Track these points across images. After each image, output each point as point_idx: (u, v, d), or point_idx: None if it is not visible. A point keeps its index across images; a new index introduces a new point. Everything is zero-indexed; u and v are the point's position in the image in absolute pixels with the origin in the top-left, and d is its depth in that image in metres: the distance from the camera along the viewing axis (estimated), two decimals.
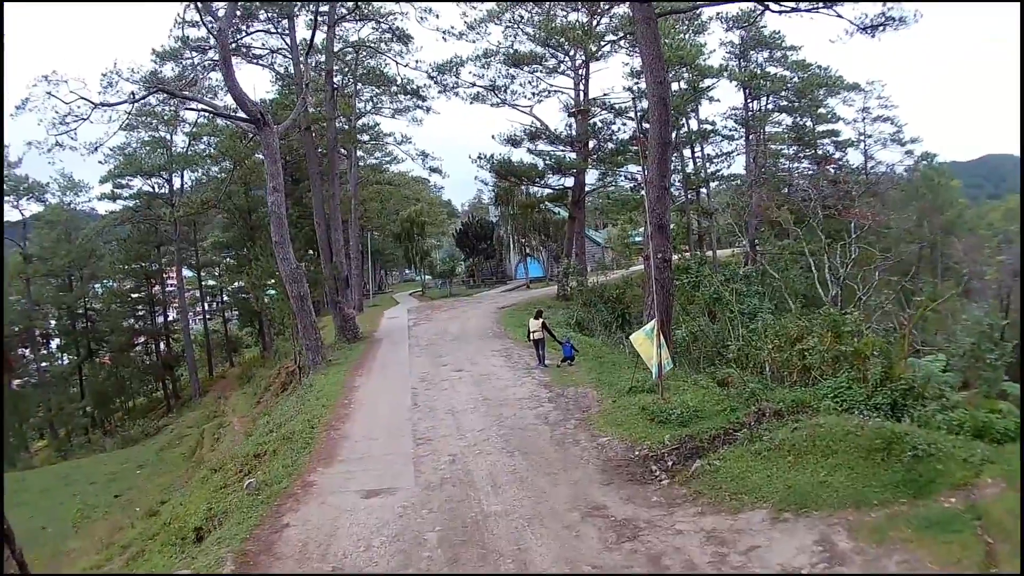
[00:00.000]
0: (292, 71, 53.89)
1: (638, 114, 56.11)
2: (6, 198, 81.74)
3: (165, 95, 47.67)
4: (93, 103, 37.04)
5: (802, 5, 33.71)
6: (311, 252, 67.47)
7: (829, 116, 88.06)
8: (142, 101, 42.56)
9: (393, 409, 27.53)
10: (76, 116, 37.50)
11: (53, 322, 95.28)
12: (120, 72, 42.07)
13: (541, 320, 33.57)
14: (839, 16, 34.11)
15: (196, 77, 50.66)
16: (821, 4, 33.36)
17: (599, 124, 67.26)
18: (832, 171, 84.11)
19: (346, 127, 66.02)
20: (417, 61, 60.94)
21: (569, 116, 67.21)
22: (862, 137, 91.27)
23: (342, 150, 77.29)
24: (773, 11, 35.24)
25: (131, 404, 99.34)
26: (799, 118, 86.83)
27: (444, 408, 26.57)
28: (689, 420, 20.87)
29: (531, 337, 33.68)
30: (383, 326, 56.97)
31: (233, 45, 49.51)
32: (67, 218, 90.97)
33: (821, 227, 53.74)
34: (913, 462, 14.80)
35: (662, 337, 23.43)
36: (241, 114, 41.29)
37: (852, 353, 24.74)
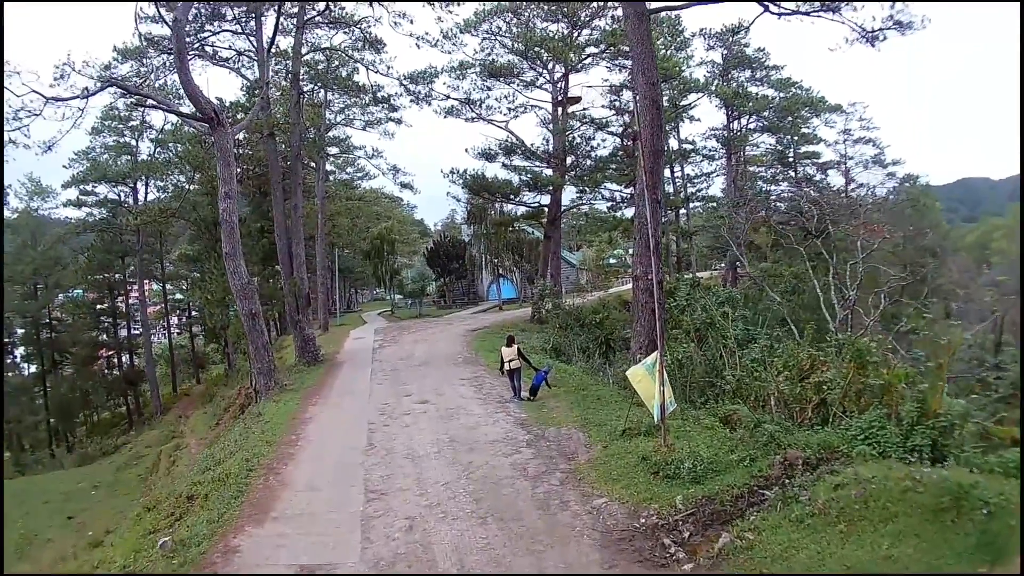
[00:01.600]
0: (259, 75, 49.67)
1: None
2: None
3: (121, 93, 43.52)
4: (45, 97, 33.08)
5: (803, 7, 30.47)
6: (272, 267, 63.07)
7: (811, 137, 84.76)
8: (94, 96, 37.51)
9: (345, 450, 23.03)
10: (29, 111, 33.29)
11: (20, 331, 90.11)
12: (72, 64, 37.53)
13: (516, 347, 29.06)
14: (842, 22, 30.94)
15: (149, 73, 46.39)
16: (822, 6, 30.30)
17: (577, 139, 64.16)
18: (813, 193, 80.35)
19: (313, 136, 61.64)
20: (389, 68, 56.19)
21: (546, 126, 63.71)
22: (843, 159, 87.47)
23: (311, 164, 74.67)
24: (772, 13, 31.83)
25: (95, 418, 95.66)
26: (782, 137, 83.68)
27: (404, 451, 22.06)
28: (703, 475, 16.94)
29: (506, 368, 28.86)
30: (347, 348, 52.94)
31: (197, 45, 46.86)
32: (34, 224, 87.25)
33: (810, 247, 50.26)
34: (987, 520, 12.04)
35: (664, 373, 18.97)
36: (196, 113, 36.91)
37: (882, 387, 20.52)
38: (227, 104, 51.35)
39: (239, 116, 48.74)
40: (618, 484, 17.33)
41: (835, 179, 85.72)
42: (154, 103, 42.42)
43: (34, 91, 32.54)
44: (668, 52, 61.26)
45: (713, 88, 68.59)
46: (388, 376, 37.25)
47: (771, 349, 29.26)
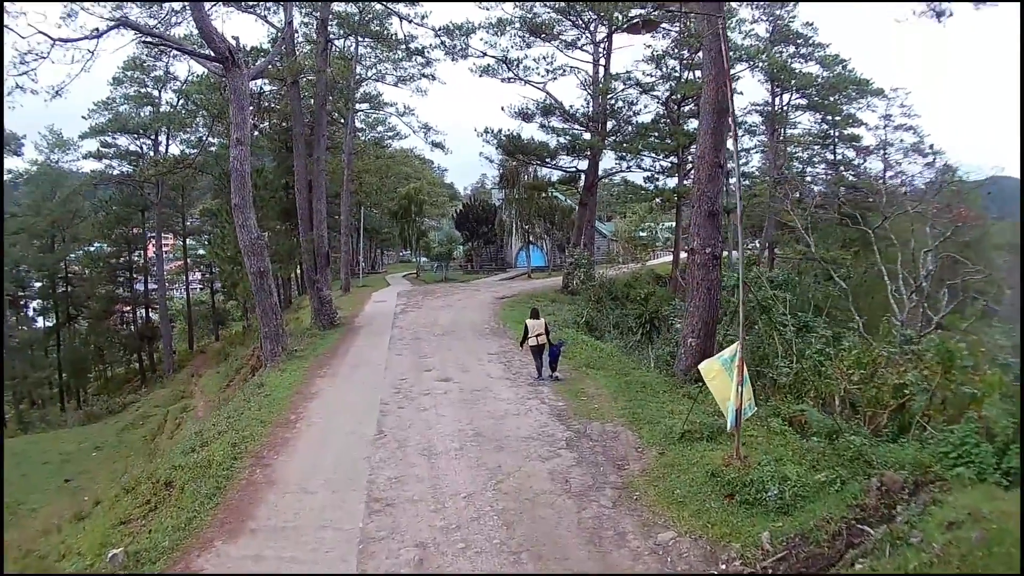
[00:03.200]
0: (283, 15, 46.14)
1: (678, 82, 49.18)
2: None
3: (135, 37, 39.76)
4: (52, 38, 29.64)
5: None
6: (292, 223, 59.65)
7: (853, 120, 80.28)
8: (104, 36, 33.91)
9: (350, 438, 19.35)
10: (36, 54, 30.07)
11: (38, 284, 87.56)
12: (81, 2, 34.38)
13: (543, 320, 25.96)
14: None
15: (167, 17, 42.69)
16: None
17: (620, 103, 59.88)
18: (850, 177, 79.75)
19: (340, 85, 57.83)
20: (424, 17, 52.18)
21: (586, 89, 59.63)
22: (883, 143, 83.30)
23: (339, 118, 72.39)
24: None
25: (109, 374, 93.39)
26: (825, 117, 79.12)
27: (418, 444, 18.33)
28: (791, 503, 13.22)
29: (534, 341, 25.46)
30: (367, 311, 49.59)
31: None
32: (54, 176, 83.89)
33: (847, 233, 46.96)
34: None
35: (745, 370, 15.17)
36: (210, 53, 33.91)
37: (974, 397, 16.98)
38: (247, 48, 47.58)
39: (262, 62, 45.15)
40: (685, 509, 13.70)
41: (872, 165, 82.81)
42: (165, 42, 39.20)
43: (40, 32, 29.41)
44: None
45: (762, 59, 64.33)
46: (408, 346, 33.85)
47: (835, 341, 25.93)
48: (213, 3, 41.40)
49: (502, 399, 22.60)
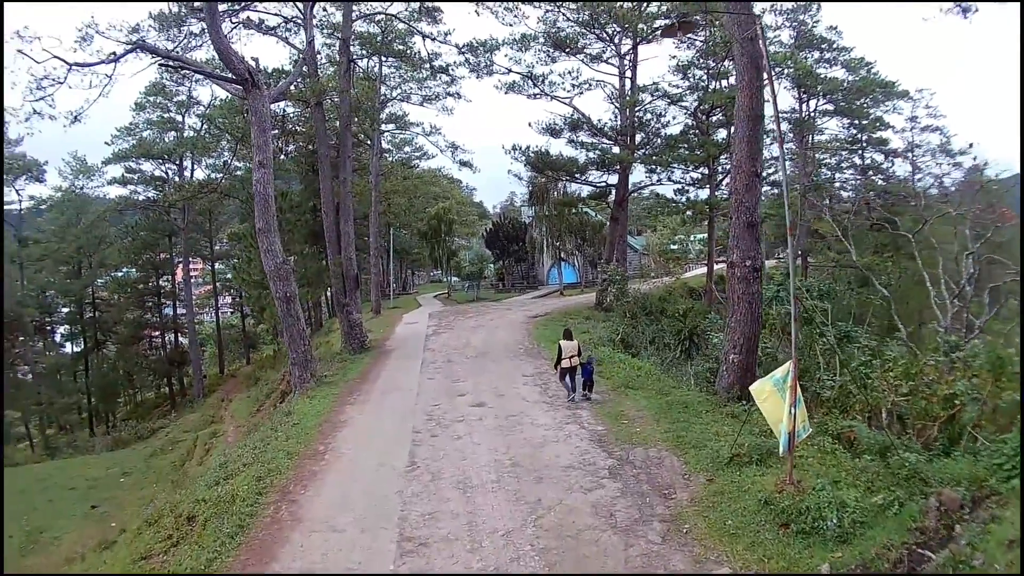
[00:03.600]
0: (305, 35, 45.57)
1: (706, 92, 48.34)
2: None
3: (153, 61, 39.24)
4: (68, 63, 29.46)
5: None
6: (319, 246, 58.99)
7: (880, 123, 78.68)
8: (121, 60, 33.24)
9: (380, 470, 18.47)
10: (53, 80, 29.88)
11: (65, 310, 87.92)
12: (97, 26, 34.03)
13: (576, 343, 25.12)
14: None
15: (184, 39, 42.11)
16: None
17: (648, 115, 58.81)
18: (879, 182, 79.44)
19: (364, 107, 57.26)
20: (447, 35, 51.50)
21: (613, 102, 58.63)
22: (911, 146, 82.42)
23: (366, 140, 71.73)
24: None
25: (139, 398, 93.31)
26: (852, 121, 78.00)
27: (453, 476, 17.40)
28: (850, 531, 12.51)
29: (568, 364, 24.51)
30: (398, 333, 48.65)
31: (241, 10, 42.54)
32: (78, 203, 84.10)
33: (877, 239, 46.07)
34: None
35: (799, 391, 14.24)
36: (229, 76, 33.06)
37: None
38: (268, 70, 47.00)
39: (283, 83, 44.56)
40: (739, 542, 12.81)
41: (899, 168, 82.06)
42: (183, 65, 38.64)
43: (56, 57, 29.22)
44: None
45: (788, 65, 63.19)
46: (440, 369, 32.89)
47: (878, 352, 25.29)
48: (233, 27, 41.27)
49: (539, 424, 21.70)
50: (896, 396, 19.62)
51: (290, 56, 54.59)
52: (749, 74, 23.68)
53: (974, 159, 68.91)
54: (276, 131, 47.08)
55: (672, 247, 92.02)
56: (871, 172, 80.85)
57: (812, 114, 75.10)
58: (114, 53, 31.45)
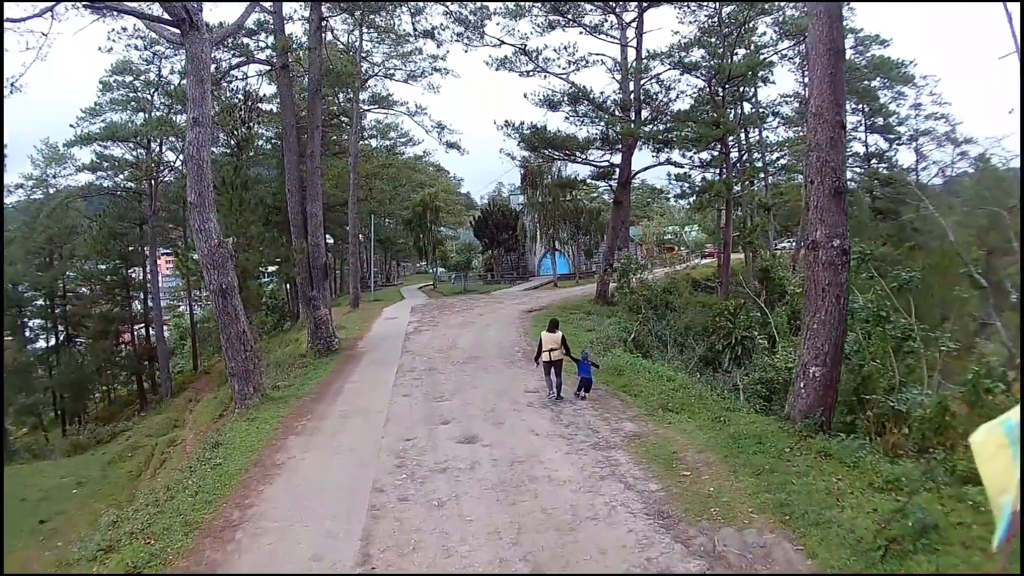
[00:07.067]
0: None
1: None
2: None
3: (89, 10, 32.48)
4: None
5: None
6: (275, 230, 52.91)
7: (883, 110, 75.90)
8: (54, 7, 27.17)
9: (313, 567, 11.34)
10: None
11: (40, 303, 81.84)
12: None
13: (560, 334, 21.92)
14: None
15: None
16: None
17: (656, 88, 52.22)
18: (884, 171, 76.43)
19: (341, 76, 50.05)
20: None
21: (613, 75, 52.57)
22: (916, 134, 78.84)
23: (345, 120, 65.97)
24: None
25: (111, 396, 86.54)
26: (857, 105, 74.35)
27: None
28: None
29: (547, 358, 21.58)
30: (374, 331, 42.09)
31: None
32: (48, 192, 79.00)
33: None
34: None
35: None
36: (163, 15, 26.68)
37: None
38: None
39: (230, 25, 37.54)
40: None
41: (904, 156, 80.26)
42: (108, 5, 31.31)
43: None
44: None
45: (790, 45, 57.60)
46: (419, 380, 25.72)
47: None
48: None
49: (561, 479, 14.18)
50: None
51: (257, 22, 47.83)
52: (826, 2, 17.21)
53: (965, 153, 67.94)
54: (245, 108, 40.07)
55: (692, 235, 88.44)
56: (874, 160, 77.81)
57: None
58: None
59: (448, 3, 45.45)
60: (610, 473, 14.35)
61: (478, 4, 46.56)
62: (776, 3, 50.76)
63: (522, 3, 47.53)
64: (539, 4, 48.04)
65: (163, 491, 16.72)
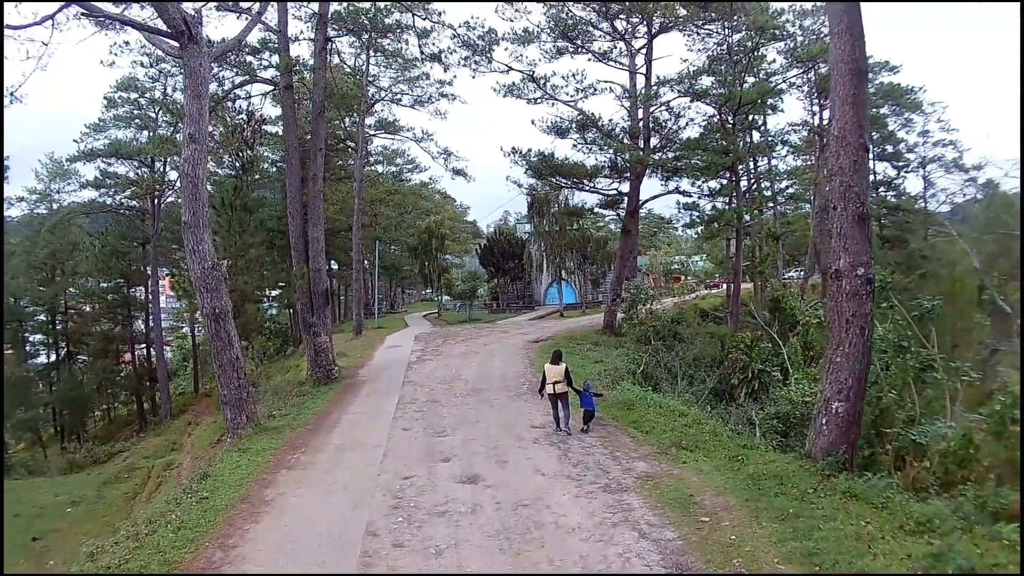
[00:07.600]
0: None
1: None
2: None
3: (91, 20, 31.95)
4: None
5: None
6: (277, 253, 52.30)
7: (891, 137, 75.17)
8: (57, 15, 26.75)
9: None
10: None
11: (41, 318, 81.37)
12: None
13: (564, 366, 21.61)
14: None
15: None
16: None
17: (665, 115, 51.67)
18: (892, 199, 75.55)
19: (347, 99, 49.43)
20: (440, 15, 45.01)
21: (622, 102, 52.27)
22: (922, 161, 78.27)
23: (351, 145, 65.42)
24: None
25: (112, 414, 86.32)
26: (875, 133, 72.25)
27: None
28: None
29: (551, 391, 21.37)
30: (376, 360, 41.28)
31: None
32: (52, 207, 79.59)
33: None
34: None
35: None
36: (162, 27, 25.98)
37: None
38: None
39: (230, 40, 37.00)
40: None
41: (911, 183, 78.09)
42: (107, 16, 30.68)
43: None
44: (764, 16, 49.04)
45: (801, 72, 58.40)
46: (420, 413, 24.75)
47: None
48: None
49: (570, 527, 13.09)
50: None
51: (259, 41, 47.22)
52: (847, 17, 16.79)
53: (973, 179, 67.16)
54: (249, 130, 39.43)
55: (698, 264, 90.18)
56: (882, 188, 76.21)
57: (828, 124, 69.48)
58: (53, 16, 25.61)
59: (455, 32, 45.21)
60: (623, 519, 13.31)
61: (486, 28, 45.88)
62: (785, 31, 50.27)
63: (531, 29, 46.83)
64: (548, 30, 47.40)
65: (144, 524, 15.77)
